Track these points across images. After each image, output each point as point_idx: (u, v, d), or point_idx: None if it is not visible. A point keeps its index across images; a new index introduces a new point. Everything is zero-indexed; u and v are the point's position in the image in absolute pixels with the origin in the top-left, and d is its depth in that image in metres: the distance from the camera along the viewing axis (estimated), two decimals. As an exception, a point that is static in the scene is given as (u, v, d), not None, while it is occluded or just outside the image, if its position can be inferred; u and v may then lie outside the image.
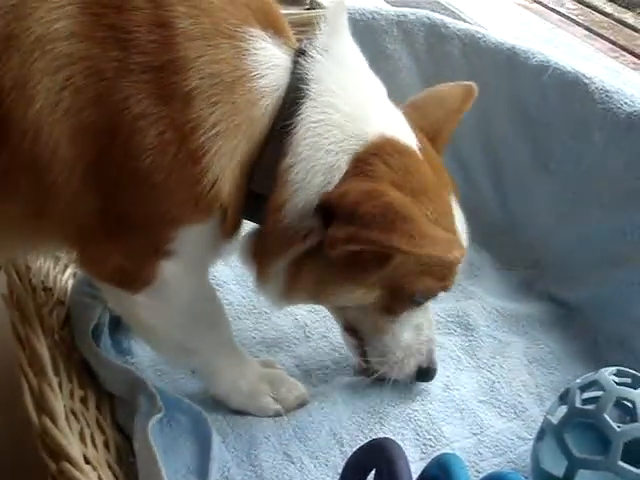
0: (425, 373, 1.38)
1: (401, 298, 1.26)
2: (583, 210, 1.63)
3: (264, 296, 1.29)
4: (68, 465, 0.99)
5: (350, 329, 1.36)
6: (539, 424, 1.24)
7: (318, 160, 1.12)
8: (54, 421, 1.05)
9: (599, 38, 3.22)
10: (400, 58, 1.92)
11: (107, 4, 1.04)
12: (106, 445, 1.23)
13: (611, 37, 3.21)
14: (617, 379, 1.17)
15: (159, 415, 1.23)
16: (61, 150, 1.05)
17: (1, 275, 1.29)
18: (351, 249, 1.11)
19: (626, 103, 1.57)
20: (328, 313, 1.54)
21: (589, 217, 1.61)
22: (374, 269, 1.18)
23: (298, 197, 1.12)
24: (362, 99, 1.18)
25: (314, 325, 1.55)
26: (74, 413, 1.19)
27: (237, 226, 1.20)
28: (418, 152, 1.21)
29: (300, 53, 1.15)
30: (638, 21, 3.33)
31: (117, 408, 1.32)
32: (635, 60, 3.05)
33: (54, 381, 1.13)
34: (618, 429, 1.10)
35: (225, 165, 1.09)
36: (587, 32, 3.28)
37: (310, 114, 1.12)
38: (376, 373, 1.37)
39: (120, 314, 1.34)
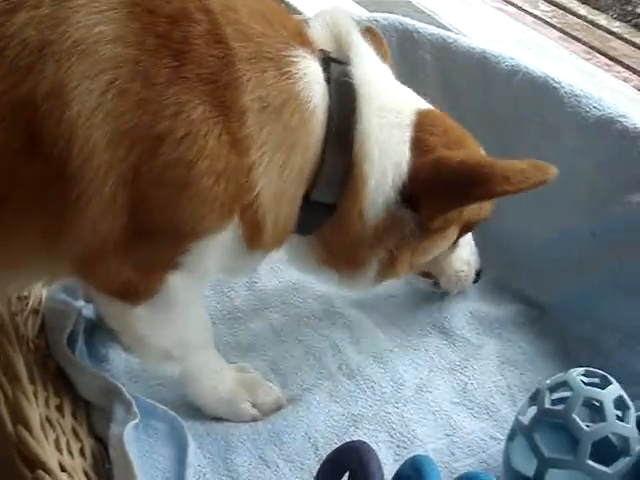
0: (479, 273, 1.59)
1: (468, 230, 1.44)
2: (554, 213, 1.64)
3: (351, 290, 1.45)
4: (44, 473, 1.00)
5: (425, 274, 1.53)
6: (511, 424, 1.25)
7: (388, 160, 1.20)
8: (29, 430, 1.06)
9: (573, 40, 3.25)
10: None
11: (158, 13, 1.05)
12: (82, 453, 1.23)
13: (585, 39, 3.24)
14: (585, 379, 1.19)
15: (135, 421, 1.23)
16: (95, 157, 1.04)
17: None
18: (451, 215, 1.27)
19: (595, 107, 1.59)
20: (303, 317, 1.57)
21: (560, 219, 1.63)
22: (458, 220, 1.34)
23: (375, 197, 1.21)
24: (394, 90, 1.29)
25: (288, 329, 1.56)
26: (49, 421, 1.20)
27: (282, 238, 1.24)
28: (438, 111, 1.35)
29: (328, 61, 1.21)
30: (611, 23, 3.36)
31: (93, 415, 1.33)
32: (608, 62, 3.07)
33: (29, 389, 1.14)
34: (586, 429, 1.12)
35: (272, 181, 1.13)
36: (561, 34, 3.31)
37: (370, 121, 1.19)
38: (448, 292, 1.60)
39: (112, 323, 1.31)
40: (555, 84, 1.65)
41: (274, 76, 1.11)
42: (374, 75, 1.24)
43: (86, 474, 1.18)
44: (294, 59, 1.14)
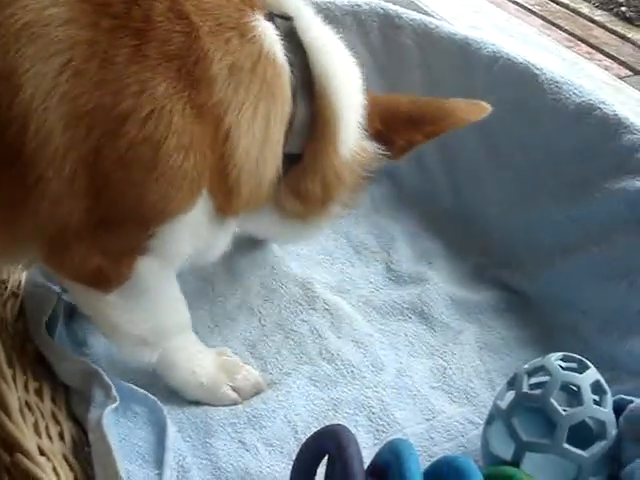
0: None
1: None
2: (533, 198, 1.65)
3: (310, 234, 1.53)
4: (22, 457, 1.00)
5: None
6: (489, 409, 1.26)
7: (351, 98, 1.29)
8: (8, 414, 1.06)
9: (555, 28, 3.26)
10: (354, 48, 1.92)
11: None
12: (61, 436, 1.23)
13: (566, 27, 3.25)
14: (563, 364, 1.20)
15: (114, 405, 1.23)
16: (52, 140, 1.03)
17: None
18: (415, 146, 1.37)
19: (575, 93, 1.59)
20: (283, 302, 1.57)
21: (539, 205, 1.64)
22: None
23: (348, 134, 1.28)
24: (341, 46, 1.35)
25: (268, 313, 1.56)
26: (28, 405, 1.20)
27: (267, 196, 1.26)
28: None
29: (273, 18, 1.22)
30: (593, 12, 3.37)
31: (72, 399, 1.32)
32: (590, 50, 3.09)
33: (8, 373, 1.14)
34: (564, 413, 1.13)
35: (255, 137, 1.15)
36: (543, 22, 3.32)
37: (325, 65, 1.23)
38: None
39: (86, 311, 1.32)
40: (536, 70, 1.66)
41: (239, 43, 1.12)
42: (316, 26, 1.27)
43: (65, 458, 1.18)
44: (253, 24, 1.15)
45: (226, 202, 1.18)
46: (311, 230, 1.46)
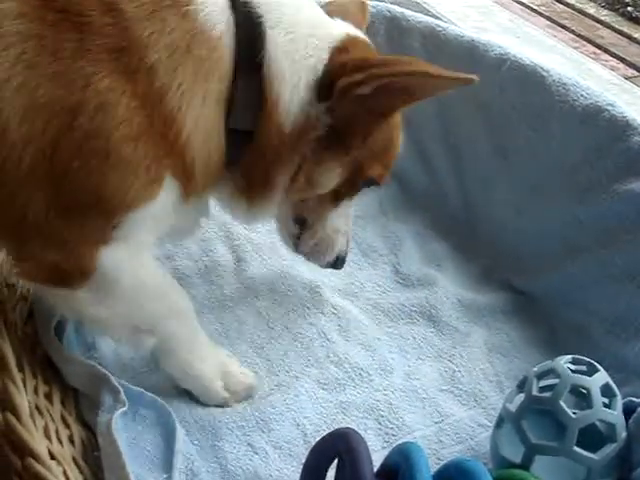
0: (341, 260, 1.50)
1: (353, 184, 1.37)
2: (541, 200, 1.65)
3: (257, 215, 1.38)
4: (33, 461, 1.00)
5: (299, 219, 1.44)
6: (499, 411, 1.26)
7: (300, 65, 1.21)
8: (18, 417, 1.06)
9: (561, 28, 3.26)
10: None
11: None
12: (71, 440, 1.24)
13: (572, 27, 3.25)
14: (573, 367, 1.20)
15: (123, 409, 1.23)
16: (10, 131, 1.04)
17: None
18: (363, 91, 1.18)
19: (582, 95, 1.59)
20: (291, 305, 1.57)
21: (547, 208, 1.64)
22: (357, 144, 1.29)
23: (291, 103, 1.21)
24: (314, 14, 1.29)
25: (276, 317, 1.56)
26: (38, 409, 1.20)
27: (216, 174, 1.24)
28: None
29: None
30: (599, 12, 3.37)
31: (82, 403, 1.33)
32: (596, 50, 3.09)
33: (18, 377, 1.13)
34: (573, 415, 1.13)
35: (198, 116, 1.14)
36: (549, 22, 3.32)
37: (277, 38, 1.19)
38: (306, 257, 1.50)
39: (66, 314, 1.31)
40: (543, 72, 1.66)
41: (175, 21, 1.11)
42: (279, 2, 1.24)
43: (75, 461, 1.18)
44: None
45: (188, 185, 1.18)
46: (261, 212, 1.37)
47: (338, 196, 1.38)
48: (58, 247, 1.13)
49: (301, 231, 1.45)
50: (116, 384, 1.27)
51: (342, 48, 1.25)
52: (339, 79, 1.19)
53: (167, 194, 1.15)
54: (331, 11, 1.40)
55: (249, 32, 1.18)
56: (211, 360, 1.37)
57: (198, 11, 1.13)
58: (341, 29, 1.30)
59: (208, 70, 1.14)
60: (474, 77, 1.21)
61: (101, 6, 1.07)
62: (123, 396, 1.25)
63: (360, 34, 1.36)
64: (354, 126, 1.27)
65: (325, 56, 1.23)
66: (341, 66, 1.21)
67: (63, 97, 1.04)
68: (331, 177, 1.33)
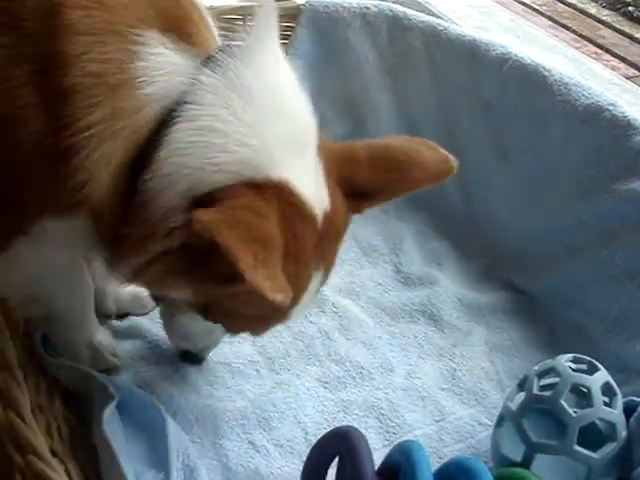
0: (190, 357, 1.40)
1: (208, 315, 1.21)
2: (542, 200, 1.65)
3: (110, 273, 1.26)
4: (35, 458, 1.00)
5: (154, 296, 1.38)
6: (499, 410, 1.27)
7: (180, 176, 1.02)
8: (20, 415, 1.06)
9: (562, 28, 3.26)
10: (363, 50, 1.93)
11: None
12: (72, 437, 1.23)
13: (574, 27, 3.25)
14: (573, 365, 1.20)
15: (112, 403, 1.23)
16: None
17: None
18: (204, 239, 0.96)
19: (584, 95, 1.60)
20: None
21: (548, 207, 1.64)
22: (213, 282, 1.07)
23: (156, 202, 1.03)
24: (268, 136, 1.05)
25: (277, 315, 1.56)
26: (40, 407, 1.20)
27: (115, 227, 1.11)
28: (318, 221, 1.10)
29: (207, 62, 1.06)
30: (601, 12, 3.37)
31: (80, 401, 1.33)
32: (597, 50, 3.09)
33: (19, 376, 1.13)
34: (574, 414, 1.13)
35: (100, 168, 1.02)
36: (550, 22, 3.31)
37: (180, 135, 1.02)
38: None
39: None
40: (545, 72, 1.66)
41: (117, 51, 1.00)
42: (232, 96, 1.04)
43: (77, 459, 1.18)
44: (142, 39, 1.01)
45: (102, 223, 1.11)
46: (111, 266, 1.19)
47: (194, 308, 1.22)
48: None
49: (157, 301, 1.38)
50: (103, 380, 1.27)
51: (253, 185, 1.02)
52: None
53: (63, 221, 1.09)
54: (379, 149, 1.21)
55: (171, 111, 1.03)
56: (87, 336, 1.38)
57: (141, 58, 1.01)
58: (286, 171, 1.05)
59: (124, 129, 1.02)
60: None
61: (42, 9, 0.98)
62: (112, 390, 1.25)
63: (309, 195, 1.07)
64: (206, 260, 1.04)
65: (223, 180, 1.02)
66: (224, 195, 1.01)
67: None
68: (173, 292, 1.18)
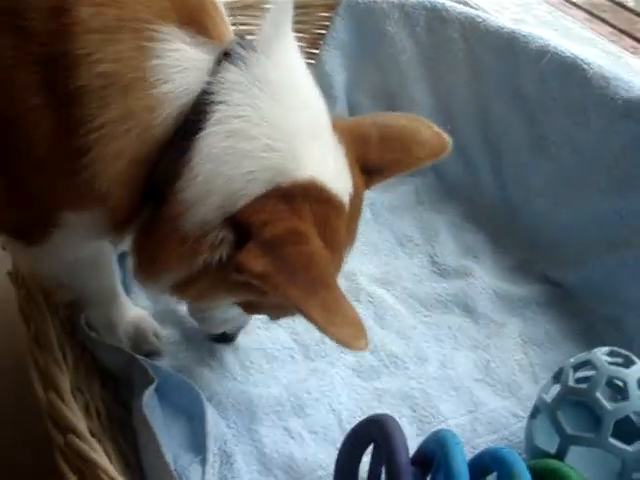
0: (227, 338, 1.43)
1: (253, 311, 1.26)
2: (580, 194, 1.65)
3: (144, 288, 1.29)
4: (75, 437, 1.01)
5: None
6: (533, 402, 1.26)
7: (217, 186, 1.01)
8: (60, 395, 1.07)
9: (599, 21, 3.23)
10: (401, 41, 1.94)
11: None
12: (110, 419, 1.26)
13: (611, 20, 3.22)
14: (609, 359, 1.20)
15: (153, 386, 1.25)
16: None
17: (6, 254, 1.31)
18: (258, 286, 0.99)
19: (624, 89, 1.58)
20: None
21: (586, 200, 1.63)
22: (259, 295, 1.09)
23: (194, 213, 1.01)
24: (292, 133, 1.04)
25: (313, 302, 1.57)
26: (79, 388, 1.21)
27: (135, 213, 1.10)
28: (346, 204, 1.11)
29: (224, 57, 1.02)
30: (638, 5, 3.33)
31: (119, 383, 1.36)
32: (635, 44, 3.05)
33: (60, 357, 1.15)
34: (609, 407, 1.13)
35: (109, 167, 1.00)
36: (587, 15, 3.29)
37: (212, 140, 1.00)
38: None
39: (13, 256, 1.30)
40: (584, 65, 1.65)
41: (129, 49, 0.97)
42: (254, 98, 1.02)
43: (114, 440, 1.21)
44: (159, 35, 0.98)
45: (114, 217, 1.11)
46: (146, 286, 1.19)
47: (237, 304, 1.23)
48: (17, 215, 1.11)
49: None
50: (143, 363, 1.29)
51: (282, 194, 1.02)
52: (243, 249, 0.99)
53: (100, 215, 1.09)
54: (397, 132, 1.24)
55: (195, 111, 1.00)
56: (124, 313, 1.40)
57: (155, 55, 0.98)
58: (309, 168, 1.05)
59: (133, 127, 0.99)
60: None
61: (50, 8, 0.95)
62: (151, 373, 1.27)
63: (334, 182, 1.08)
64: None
65: (257, 189, 1.01)
66: (256, 224, 1.00)
67: (2, 107, 0.99)
68: (220, 302, 1.19)
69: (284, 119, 1.03)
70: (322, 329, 0.96)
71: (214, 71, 1.01)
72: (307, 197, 1.04)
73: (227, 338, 1.44)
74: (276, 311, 1.23)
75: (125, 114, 0.98)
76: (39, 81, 0.96)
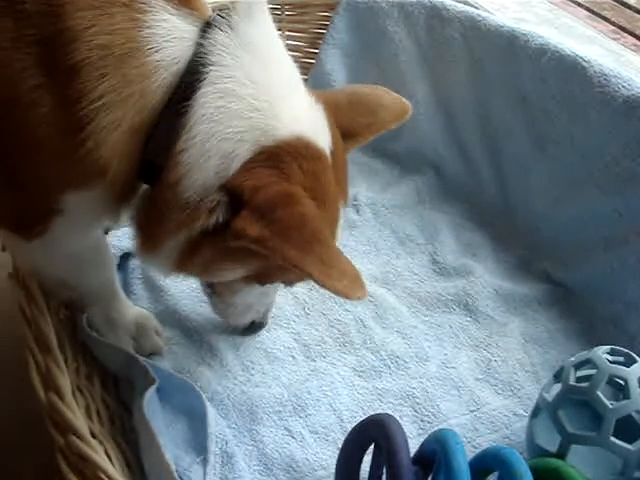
0: (257, 327, 1.47)
1: (265, 280, 1.26)
2: (580, 192, 1.64)
3: (148, 266, 1.35)
4: (76, 439, 1.01)
5: (209, 285, 1.38)
6: (534, 401, 1.27)
7: (212, 147, 1.06)
8: (61, 397, 1.07)
9: (600, 19, 3.22)
10: (401, 40, 1.94)
11: None
12: (111, 420, 1.26)
13: (612, 18, 3.21)
14: (610, 357, 1.20)
15: (153, 387, 1.25)
16: None
17: (7, 255, 1.31)
18: (256, 249, 1.04)
19: (624, 87, 1.58)
20: (327, 293, 1.57)
21: (586, 199, 1.63)
22: (262, 260, 1.12)
23: (192, 177, 1.06)
24: (274, 92, 1.10)
25: (313, 302, 1.58)
26: (80, 389, 1.22)
27: (131, 190, 1.15)
28: (329, 157, 1.16)
29: (207, 26, 1.08)
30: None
31: (120, 384, 1.36)
32: (636, 42, 3.05)
33: (60, 358, 1.15)
34: (610, 406, 1.13)
35: (109, 136, 1.04)
36: (588, 13, 3.28)
37: (207, 100, 1.05)
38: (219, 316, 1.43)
39: (13, 255, 1.31)
40: (584, 63, 1.65)
41: (122, 21, 1.02)
42: (241, 60, 1.08)
43: (116, 441, 1.21)
44: (147, 7, 1.03)
45: (116, 187, 1.13)
46: (148, 263, 1.24)
47: (248, 282, 1.26)
48: (18, 206, 1.14)
49: (212, 293, 1.38)
50: (144, 363, 1.30)
51: (269, 156, 1.08)
52: (239, 216, 1.04)
53: (103, 188, 1.11)
54: (362, 97, 1.33)
55: (190, 75, 1.06)
56: (127, 312, 1.41)
57: (148, 25, 1.03)
58: (293, 126, 1.10)
59: (130, 95, 1.04)
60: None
61: None
62: (152, 374, 1.28)
63: (317, 138, 1.14)
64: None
65: (245, 151, 1.07)
66: (248, 191, 1.05)
67: (1, 89, 1.01)
68: (227, 274, 1.21)
69: (267, 79, 1.09)
70: (321, 283, 1.02)
71: (204, 36, 1.07)
72: (294, 155, 1.10)
73: (257, 326, 1.46)
74: (286, 275, 1.25)
75: (122, 82, 1.02)
76: (37, 61, 0.99)
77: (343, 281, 1.03)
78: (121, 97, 1.03)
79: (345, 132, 1.26)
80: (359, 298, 1.05)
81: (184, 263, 1.15)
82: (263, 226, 1.02)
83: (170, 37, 1.05)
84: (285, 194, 1.06)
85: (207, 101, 1.05)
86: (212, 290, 1.36)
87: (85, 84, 1.01)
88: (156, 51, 1.04)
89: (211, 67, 1.06)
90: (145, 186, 1.14)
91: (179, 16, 1.07)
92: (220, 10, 1.11)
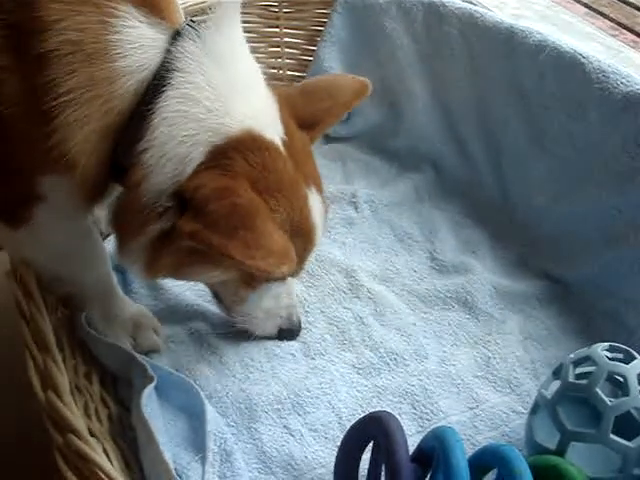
0: (287, 333, 1.46)
1: (255, 277, 1.29)
2: (579, 189, 1.64)
3: (127, 268, 1.38)
4: (74, 437, 1.01)
5: (216, 297, 1.41)
6: (533, 398, 1.26)
7: (170, 149, 1.11)
8: (59, 395, 1.07)
9: (599, 16, 3.22)
10: (399, 37, 1.94)
11: None
12: (110, 418, 1.26)
13: (611, 15, 3.21)
14: (609, 354, 1.20)
15: (151, 385, 1.25)
16: None
17: (4, 254, 1.31)
18: (195, 245, 1.11)
19: (622, 83, 1.58)
20: (327, 290, 1.58)
21: (585, 196, 1.63)
22: (217, 259, 1.18)
23: (151, 180, 1.11)
24: (228, 93, 1.15)
25: (312, 300, 1.58)
26: (78, 388, 1.22)
27: (105, 189, 1.20)
28: (281, 147, 1.21)
29: (177, 35, 1.13)
30: (639, -1, 3.33)
31: (118, 383, 1.36)
32: (635, 38, 3.05)
33: (59, 357, 1.15)
34: (610, 403, 1.13)
35: (77, 132, 1.08)
36: (587, 10, 3.28)
37: (169, 104, 1.10)
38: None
39: (3, 245, 1.33)
40: (583, 59, 1.64)
41: (93, 21, 1.05)
42: (203, 66, 1.13)
43: (114, 439, 1.21)
44: (117, 12, 1.07)
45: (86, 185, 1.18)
46: (124, 263, 1.27)
47: (248, 283, 1.32)
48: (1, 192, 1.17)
49: (226, 309, 1.41)
50: (141, 361, 1.31)
51: (216, 155, 1.13)
52: (184, 215, 1.09)
53: (61, 179, 1.14)
54: (317, 84, 1.41)
55: (156, 80, 1.11)
56: (124, 309, 1.42)
57: (116, 30, 1.07)
58: (242, 121, 1.15)
59: (96, 96, 1.08)
60: None
61: None
62: (150, 372, 1.28)
63: (266, 130, 1.19)
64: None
65: (199, 154, 1.12)
66: (189, 193, 1.10)
67: None
68: (209, 276, 1.27)
69: (224, 82, 1.14)
70: (244, 265, 1.10)
71: (173, 44, 1.12)
72: (240, 149, 1.15)
73: (288, 332, 1.46)
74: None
75: (89, 82, 1.07)
76: (6, 44, 1.04)
77: (268, 259, 1.10)
78: (88, 96, 1.07)
79: (306, 121, 1.31)
80: (282, 273, 1.17)
81: (153, 265, 1.19)
82: (198, 221, 1.08)
83: (137, 44, 1.10)
84: (220, 188, 1.11)
85: (169, 104, 1.10)
86: (224, 305, 1.39)
87: (54, 76, 1.04)
88: (122, 57, 1.08)
89: (175, 73, 1.11)
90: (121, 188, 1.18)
91: (148, 24, 1.11)
92: (192, 19, 1.17)
